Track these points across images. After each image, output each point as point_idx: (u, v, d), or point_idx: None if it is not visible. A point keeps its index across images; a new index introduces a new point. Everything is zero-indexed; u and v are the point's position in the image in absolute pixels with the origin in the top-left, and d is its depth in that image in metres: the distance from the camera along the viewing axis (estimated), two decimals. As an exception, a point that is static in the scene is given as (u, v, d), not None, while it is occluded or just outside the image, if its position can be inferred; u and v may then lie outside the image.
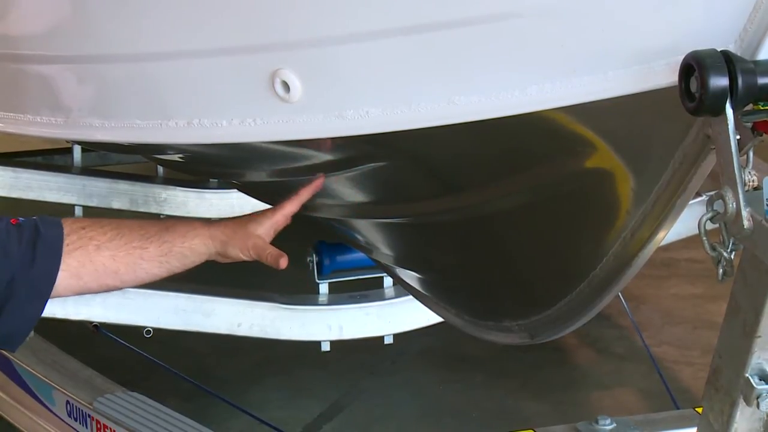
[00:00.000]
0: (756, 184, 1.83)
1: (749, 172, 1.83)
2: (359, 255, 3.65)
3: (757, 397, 1.90)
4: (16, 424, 3.77)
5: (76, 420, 3.44)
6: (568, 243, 2.42)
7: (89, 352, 4.05)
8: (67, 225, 2.26)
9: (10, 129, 2.88)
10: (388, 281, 4.30)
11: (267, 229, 2.46)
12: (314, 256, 4.25)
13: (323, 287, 4.31)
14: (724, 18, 1.83)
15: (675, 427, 3.24)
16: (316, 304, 4.29)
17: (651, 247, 2.24)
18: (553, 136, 2.18)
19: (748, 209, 1.81)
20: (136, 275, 2.32)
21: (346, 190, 2.83)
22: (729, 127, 1.80)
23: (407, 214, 2.82)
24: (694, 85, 1.79)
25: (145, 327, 4.20)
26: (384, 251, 3.18)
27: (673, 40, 1.86)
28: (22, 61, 2.77)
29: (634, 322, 4.58)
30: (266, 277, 5.07)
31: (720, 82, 1.76)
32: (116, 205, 5.15)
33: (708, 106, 1.78)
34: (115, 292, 4.12)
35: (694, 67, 1.78)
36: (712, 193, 1.87)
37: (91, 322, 4.18)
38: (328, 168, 2.67)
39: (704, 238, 1.88)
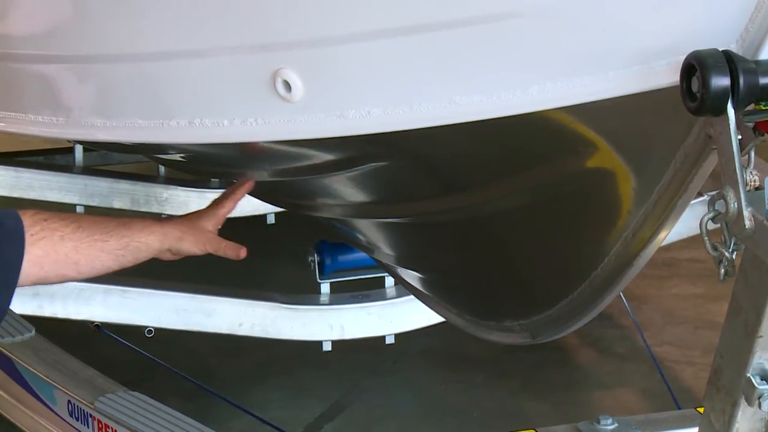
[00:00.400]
0: (757, 184, 1.83)
1: (751, 172, 1.83)
2: (361, 255, 3.65)
3: (759, 397, 1.90)
4: (18, 424, 3.76)
5: (77, 419, 3.44)
6: (569, 243, 2.42)
7: (91, 351, 4.05)
8: (28, 216, 2.30)
9: (12, 128, 2.88)
10: (389, 281, 4.30)
11: (214, 225, 2.58)
12: (316, 255, 4.26)
13: (325, 287, 4.31)
14: (726, 18, 1.83)
15: (676, 427, 3.24)
16: (317, 303, 4.30)
17: (652, 247, 2.24)
18: (554, 136, 2.18)
19: (749, 209, 1.81)
20: (92, 267, 2.37)
21: (348, 189, 2.83)
22: (730, 127, 1.80)
23: (409, 214, 2.82)
24: (695, 85, 1.79)
25: (146, 327, 4.21)
26: (385, 251, 3.18)
27: (674, 40, 1.86)
28: (24, 60, 2.77)
29: (636, 322, 4.58)
30: (268, 277, 5.10)
31: (721, 82, 1.76)
32: (117, 204, 5.16)
33: (709, 105, 1.78)
34: (116, 292, 4.17)
35: (695, 67, 1.78)
36: (713, 193, 1.87)
37: (93, 322, 4.19)
38: (329, 168, 2.67)
39: (706, 238, 1.88)
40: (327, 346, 4.32)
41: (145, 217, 2.66)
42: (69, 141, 5.05)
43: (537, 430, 3.27)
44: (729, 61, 1.77)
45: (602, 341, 4.97)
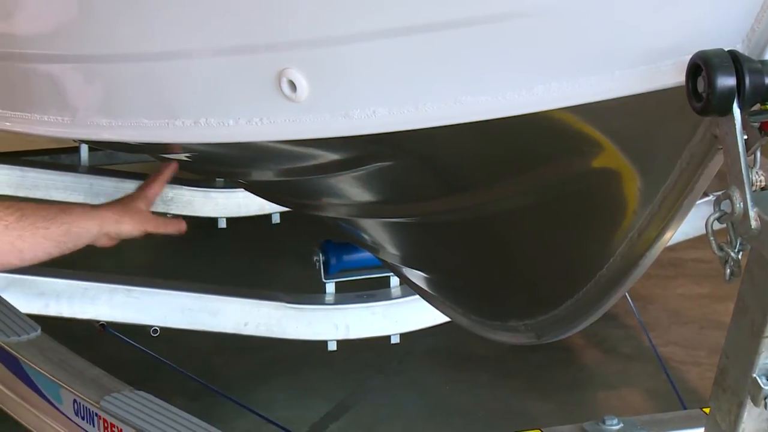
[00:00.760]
0: (763, 183, 1.83)
1: (756, 172, 1.83)
2: (366, 254, 3.65)
3: (765, 398, 1.90)
4: (24, 423, 3.76)
5: (83, 419, 3.44)
6: (575, 243, 2.42)
7: (96, 351, 4.04)
8: None
9: (18, 128, 2.89)
10: (394, 281, 4.30)
11: (146, 206, 2.69)
12: (321, 255, 4.26)
13: (330, 286, 4.31)
14: (732, 18, 1.82)
15: (682, 428, 3.23)
16: (322, 303, 4.30)
17: (658, 247, 2.23)
18: (559, 135, 2.18)
19: (755, 209, 1.81)
20: (35, 254, 2.42)
21: (353, 189, 2.83)
22: (736, 127, 1.80)
23: (414, 214, 2.82)
24: (701, 85, 1.79)
25: (151, 326, 4.21)
26: (390, 251, 3.17)
27: (679, 40, 1.86)
28: (30, 60, 2.77)
29: (641, 322, 4.57)
30: (273, 276, 5.10)
31: (727, 81, 1.76)
32: (123, 204, 5.16)
33: (715, 105, 1.78)
34: (121, 291, 4.17)
35: (701, 66, 1.78)
36: (719, 193, 1.87)
37: (98, 322, 4.19)
38: (334, 168, 2.67)
39: (711, 238, 1.88)
40: (332, 346, 4.31)
41: (84, 204, 2.75)
42: (75, 140, 5.05)
43: (542, 430, 3.26)
44: (735, 61, 1.77)
45: (608, 341, 4.96)
